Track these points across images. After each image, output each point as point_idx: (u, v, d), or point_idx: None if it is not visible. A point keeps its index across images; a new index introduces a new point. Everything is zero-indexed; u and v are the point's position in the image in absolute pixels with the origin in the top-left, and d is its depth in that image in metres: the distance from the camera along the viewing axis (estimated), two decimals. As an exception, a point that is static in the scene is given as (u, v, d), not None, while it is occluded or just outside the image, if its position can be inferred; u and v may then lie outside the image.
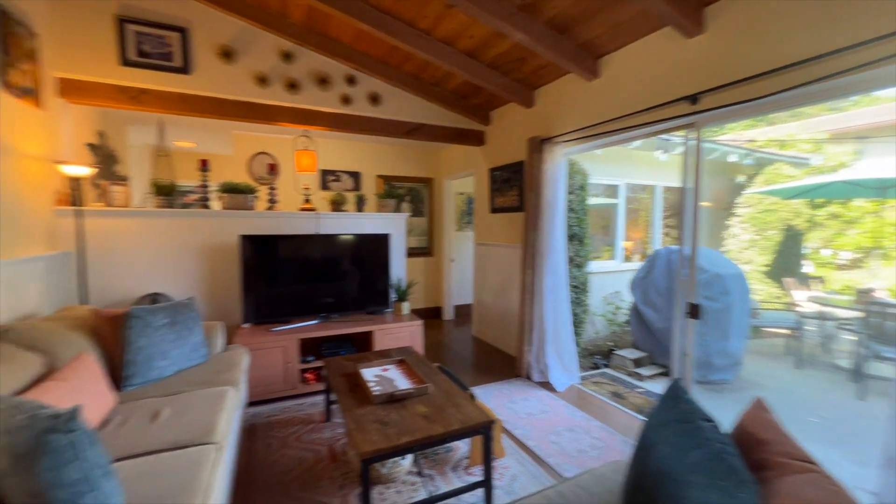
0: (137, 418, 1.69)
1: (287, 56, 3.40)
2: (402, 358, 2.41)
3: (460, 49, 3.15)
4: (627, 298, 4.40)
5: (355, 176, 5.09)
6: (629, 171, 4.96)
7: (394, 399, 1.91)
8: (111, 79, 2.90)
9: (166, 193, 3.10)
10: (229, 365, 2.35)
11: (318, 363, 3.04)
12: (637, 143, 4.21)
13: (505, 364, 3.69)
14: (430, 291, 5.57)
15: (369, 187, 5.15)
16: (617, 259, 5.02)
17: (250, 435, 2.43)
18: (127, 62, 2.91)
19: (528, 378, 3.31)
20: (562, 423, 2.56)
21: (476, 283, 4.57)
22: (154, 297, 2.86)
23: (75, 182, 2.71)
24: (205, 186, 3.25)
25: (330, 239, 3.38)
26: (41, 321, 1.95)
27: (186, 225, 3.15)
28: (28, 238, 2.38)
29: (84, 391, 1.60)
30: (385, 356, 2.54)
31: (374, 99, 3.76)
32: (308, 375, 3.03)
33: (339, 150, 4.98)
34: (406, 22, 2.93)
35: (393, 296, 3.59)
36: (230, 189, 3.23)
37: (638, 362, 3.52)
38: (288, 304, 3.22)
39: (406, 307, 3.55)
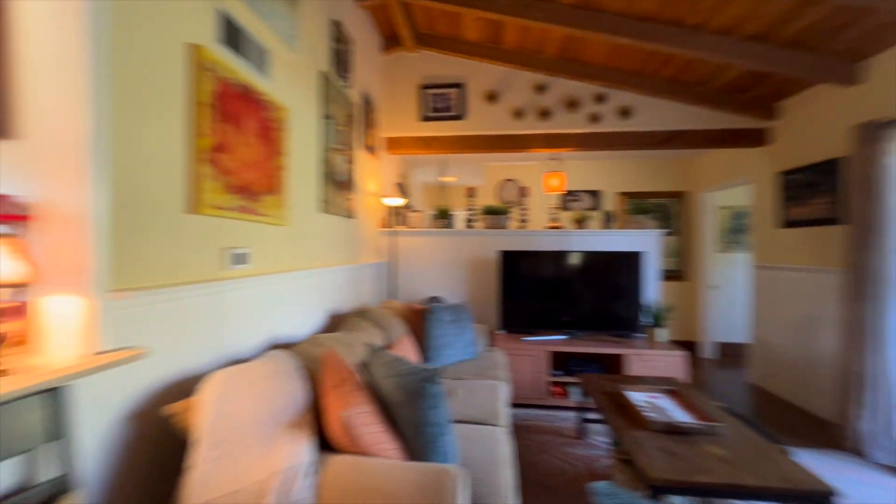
0: (439, 392, 2.10)
1: (540, 88, 3.71)
2: (673, 388, 2.13)
3: (743, 35, 2.68)
4: None
5: (595, 195, 5.00)
6: None
7: (674, 430, 1.70)
8: (414, 132, 3.85)
9: (443, 217, 3.84)
10: (494, 364, 2.63)
11: (566, 378, 3.05)
12: None
13: (809, 427, 2.76)
14: (681, 322, 4.80)
15: (609, 205, 4.95)
16: None
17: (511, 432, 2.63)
18: (424, 118, 3.82)
19: (858, 454, 2.36)
20: (952, 538, 1.68)
21: (757, 316, 3.65)
22: (434, 299, 3.54)
23: (391, 210, 3.70)
24: (471, 210, 3.85)
25: (577, 256, 3.40)
26: (378, 308, 2.70)
27: (456, 242, 3.80)
28: (366, 251, 3.37)
29: (410, 362, 2.10)
30: (642, 382, 2.31)
31: (625, 112, 3.63)
32: (555, 389, 3.08)
33: (579, 171, 5.02)
34: (671, 23, 2.72)
35: (646, 320, 3.26)
36: (490, 211, 3.72)
37: None
38: (536, 317, 3.39)
39: (663, 334, 3.16)
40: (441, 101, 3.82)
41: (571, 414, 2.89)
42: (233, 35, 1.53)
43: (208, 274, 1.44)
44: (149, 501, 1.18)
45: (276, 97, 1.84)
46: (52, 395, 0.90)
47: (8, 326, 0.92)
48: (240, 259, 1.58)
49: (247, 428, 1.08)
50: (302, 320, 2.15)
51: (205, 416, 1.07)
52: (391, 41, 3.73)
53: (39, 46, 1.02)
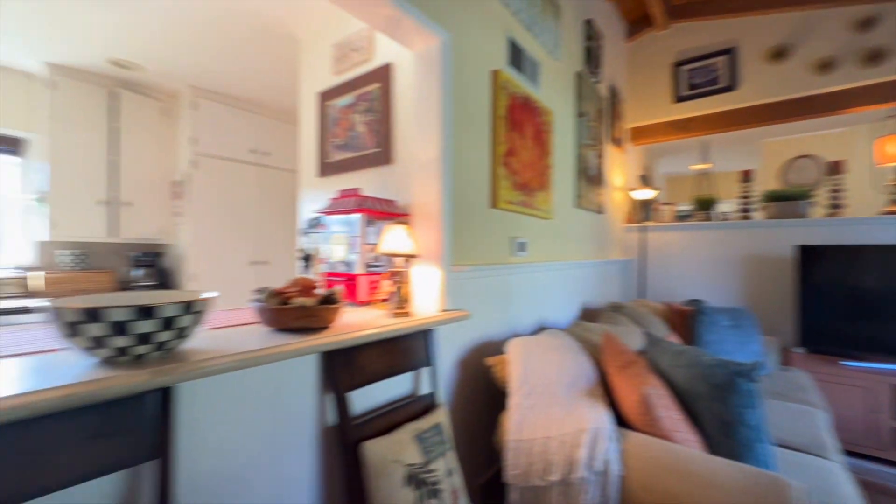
0: (723, 404, 1.81)
1: (865, 24, 2.71)
2: None
3: None
4: None
5: (979, 161, 3.24)
6: None
7: None
8: (664, 117, 3.48)
9: (706, 208, 3.30)
10: (797, 386, 2.07)
11: (931, 429, 2.09)
12: None
13: None
14: None
15: None
16: None
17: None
18: (679, 98, 3.39)
19: None
20: None
21: None
22: (694, 302, 3.07)
23: (638, 204, 3.45)
24: (746, 198, 3.17)
25: (949, 252, 2.29)
26: (633, 305, 2.57)
27: (724, 236, 3.19)
28: (613, 247, 3.26)
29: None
30: None
31: None
32: (909, 441, 2.15)
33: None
34: None
35: None
36: (778, 197, 2.95)
37: None
38: (861, 336, 2.47)
39: None
40: (702, 76, 3.31)
41: (948, 483, 1.96)
42: (516, 56, 1.80)
43: (500, 258, 1.72)
44: (472, 424, 1.51)
45: (545, 103, 2.04)
46: (427, 335, 1.28)
47: (403, 286, 1.37)
48: (521, 247, 1.82)
49: (550, 386, 1.23)
50: (561, 308, 2.29)
51: (516, 370, 1.29)
52: (636, 25, 3.51)
53: (408, 101, 1.48)
